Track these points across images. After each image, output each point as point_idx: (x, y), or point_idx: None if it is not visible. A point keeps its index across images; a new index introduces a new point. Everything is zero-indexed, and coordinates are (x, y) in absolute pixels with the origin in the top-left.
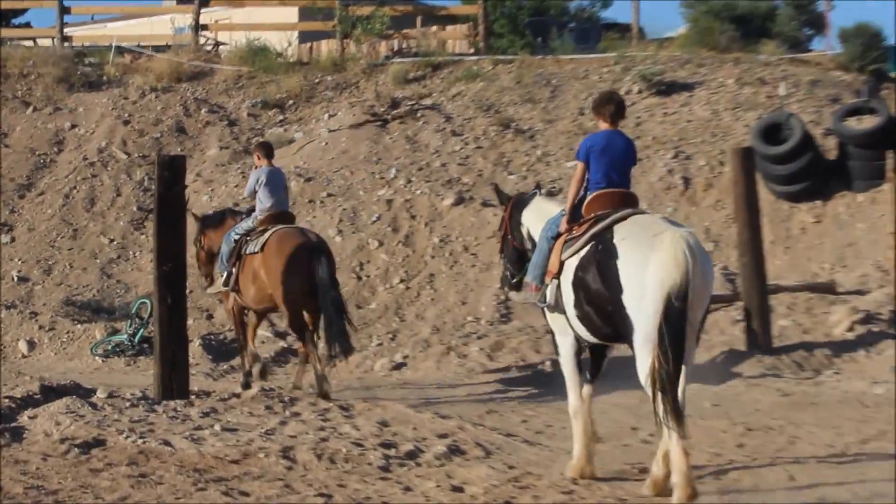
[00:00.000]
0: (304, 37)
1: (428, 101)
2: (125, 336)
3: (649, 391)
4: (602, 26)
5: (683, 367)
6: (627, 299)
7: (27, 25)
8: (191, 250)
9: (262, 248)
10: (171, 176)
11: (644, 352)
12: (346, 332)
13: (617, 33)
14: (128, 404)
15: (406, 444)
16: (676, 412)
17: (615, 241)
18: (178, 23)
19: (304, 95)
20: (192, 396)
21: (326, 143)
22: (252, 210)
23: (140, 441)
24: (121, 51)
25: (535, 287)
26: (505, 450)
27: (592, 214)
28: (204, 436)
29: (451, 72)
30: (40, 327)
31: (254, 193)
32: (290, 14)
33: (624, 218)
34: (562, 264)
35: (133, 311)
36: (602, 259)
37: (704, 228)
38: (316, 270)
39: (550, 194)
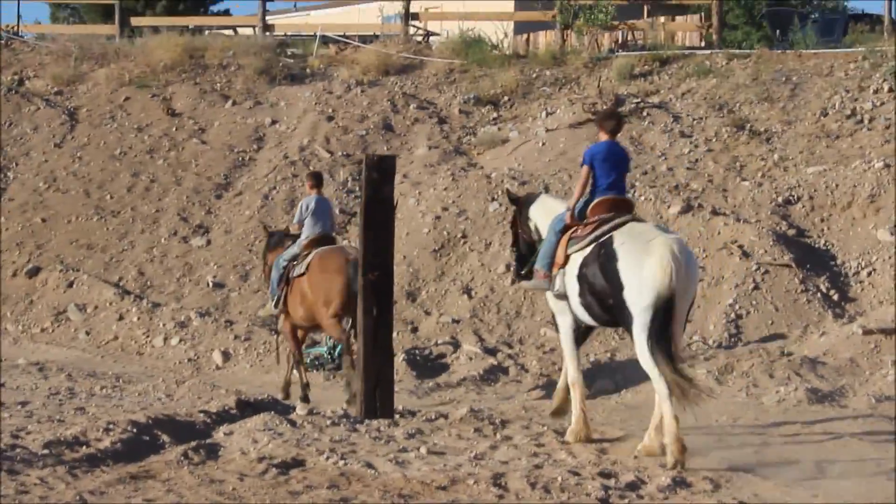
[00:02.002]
0: (521, 28)
1: (655, 99)
2: (325, 349)
3: (647, 367)
4: (849, 18)
5: (675, 349)
6: (627, 295)
7: (226, 13)
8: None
9: (306, 269)
10: (379, 177)
11: (642, 337)
12: None
13: (866, 25)
14: (328, 422)
15: (626, 474)
16: (669, 383)
17: (615, 245)
18: (387, 11)
19: (521, 91)
20: (397, 416)
21: (543, 144)
22: (298, 236)
23: (341, 462)
24: (325, 41)
25: (544, 274)
26: (735, 483)
27: (596, 217)
28: (409, 459)
29: (680, 67)
30: (236, 337)
31: (302, 221)
32: (506, 3)
33: (623, 223)
34: (567, 257)
35: None
36: (604, 261)
37: None
38: (352, 283)
39: (788, 202)
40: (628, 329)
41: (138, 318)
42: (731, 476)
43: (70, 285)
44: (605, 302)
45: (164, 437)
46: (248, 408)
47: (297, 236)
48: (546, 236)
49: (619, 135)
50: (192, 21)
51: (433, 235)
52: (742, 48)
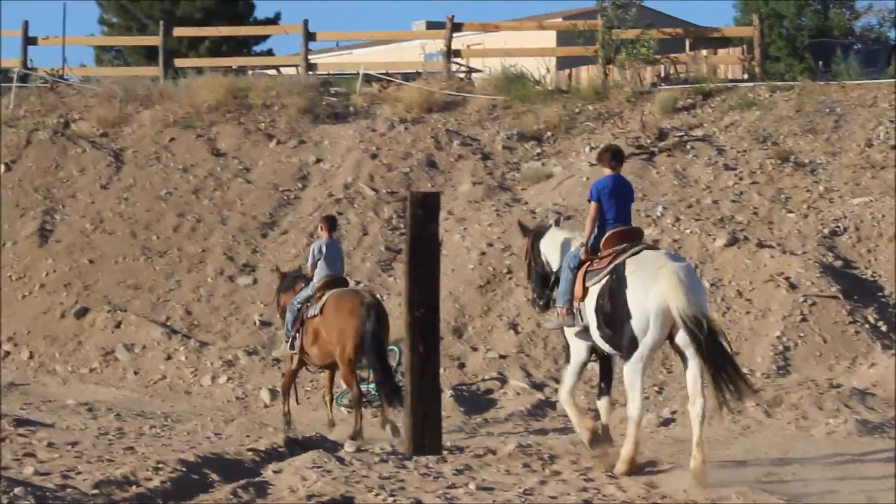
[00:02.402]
0: (563, 63)
1: (698, 132)
2: (372, 385)
3: (630, 388)
4: (892, 47)
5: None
6: (634, 322)
7: (269, 53)
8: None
9: (321, 311)
10: (424, 214)
11: (638, 364)
12: (390, 383)
13: None
14: (377, 459)
15: None
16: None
17: (626, 272)
18: (429, 49)
19: (564, 126)
20: (445, 452)
21: (587, 178)
22: (311, 279)
23: (390, 499)
24: (368, 79)
25: (567, 311)
26: None
27: (611, 249)
28: (458, 495)
29: (723, 100)
30: (283, 375)
31: (315, 264)
32: (548, 39)
33: (636, 252)
34: (586, 290)
35: None
36: (616, 288)
37: None
38: (363, 323)
39: (834, 234)
40: (626, 353)
41: (186, 358)
42: None
43: (118, 325)
44: (620, 329)
45: (213, 476)
46: (296, 446)
47: (309, 278)
48: (562, 274)
49: (620, 168)
50: (236, 61)
51: (479, 271)
52: (785, 80)
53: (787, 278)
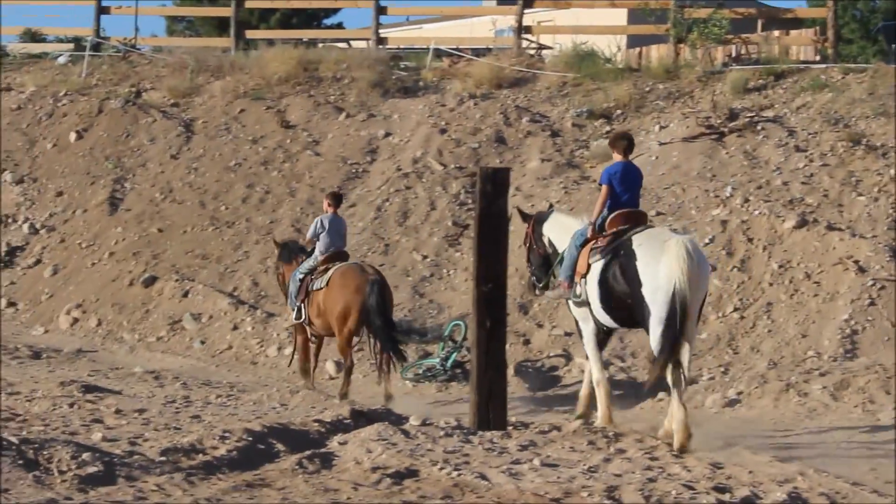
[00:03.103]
0: (633, 41)
1: (769, 113)
2: (437, 360)
3: (660, 359)
4: None
5: (687, 344)
6: (645, 291)
7: (339, 26)
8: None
9: (327, 284)
10: (493, 190)
11: (657, 329)
12: (395, 348)
13: None
14: (442, 433)
15: (741, 488)
16: (677, 374)
17: (634, 246)
18: (500, 25)
19: (634, 105)
20: (510, 428)
21: (656, 157)
22: (313, 250)
23: (455, 473)
24: (438, 54)
25: (567, 285)
26: (852, 500)
27: (615, 229)
28: (522, 470)
29: (795, 81)
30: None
31: (316, 237)
32: (619, 16)
33: (640, 231)
34: (589, 266)
35: (446, 334)
36: (624, 261)
37: None
38: (366, 298)
39: None
40: (644, 323)
41: (252, 328)
42: (848, 492)
43: (185, 295)
44: (625, 301)
45: (279, 446)
46: (361, 418)
47: (306, 250)
48: (567, 250)
49: (631, 154)
50: (306, 34)
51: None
52: (857, 62)
53: (856, 261)
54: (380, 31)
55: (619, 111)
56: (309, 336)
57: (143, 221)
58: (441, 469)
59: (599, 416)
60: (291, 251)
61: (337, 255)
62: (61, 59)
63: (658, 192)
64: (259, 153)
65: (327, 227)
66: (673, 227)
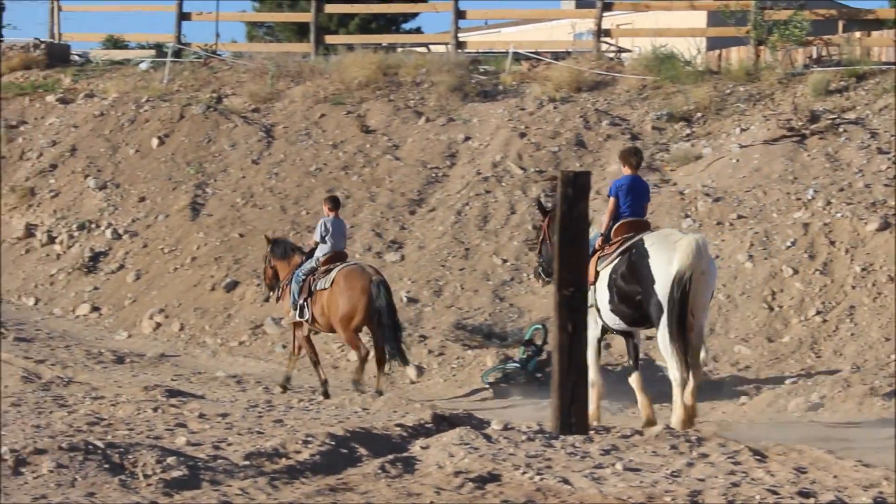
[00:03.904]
0: (713, 43)
1: (851, 115)
2: (517, 364)
3: (667, 354)
4: None
5: (698, 336)
6: (658, 287)
7: (418, 30)
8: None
9: (331, 284)
10: (574, 194)
11: (666, 330)
12: (400, 350)
13: None
14: (524, 438)
15: (826, 493)
16: (683, 364)
17: (647, 246)
18: (578, 28)
19: (714, 107)
20: (592, 431)
21: (737, 160)
22: (312, 251)
23: (537, 477)
24: (517, 58)
25: None
26: None
27: (620, 237)
28: (605, 475)
29: (877, 82)
30: (429, 352)
31: (322, 239)
32: (699, 18)
33: (651, 232)
34: (597, 274)
35: (526, 338)
36: (637, 260)
37: None
38: (374, 300)
39: None
40: (655, 319)
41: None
42: None
43: (266, 299)
44: (635, 299)
45: (362, 451)
46: (443, 422)
47: (299, 248)
48: None
49: (639, 169)
50: (385, 39)
51: None
52: None
53: None
54: (459, 35)
55: (699, 114)
56: (307, 333)
57: (225, 226)
58: (523, 473)
59: (591, 414)
60: (286, 248)
61: (337, 255)
62: (143, 66)
63: (739, 195)
64: (339, 158)
65: (331, 230)
66: (684, 229)
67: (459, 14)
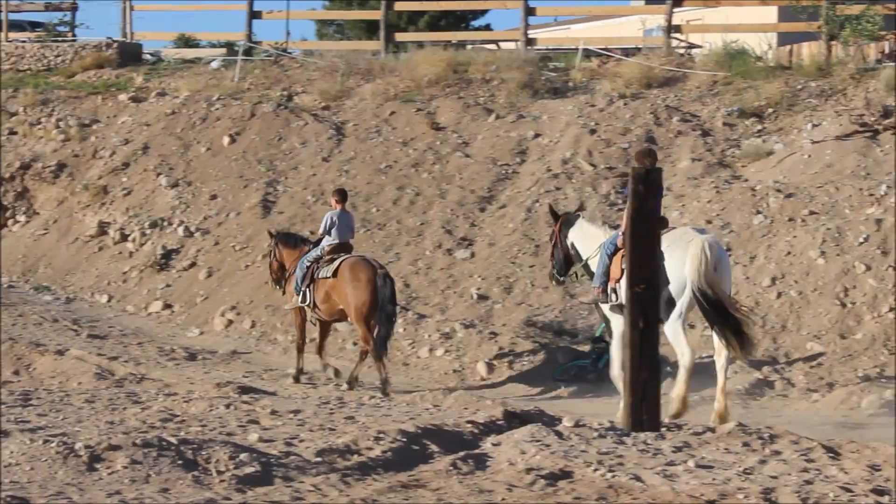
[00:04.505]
0: (784, 38)
1: None
2: (588, 361)
3: (673, 340)
4: None
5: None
6: (672, 288)
7: (488, 28)
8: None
9: (334, 274)
10: (645, 190)
11: (675, 319)
12: (386, 338)
13: None
14: (595, 434)
15: None
16: (735, 347)
17: (662, 247)
18: (648, 24)
19: (785, 103)
20: (663, 429)
21: (809, 156)
22: (319, 241)
23: (609, 475)
24: (587, 54)
25: (601, 290)
26: None
27: None
28: (677, 472)
29: None
30: (500, 349)
31: (329, 230)
32: (769, 14)
33: (667, 231)
34: (622, 271)
35: (597, 334)
36: None
37: None
38: (379, 291)
39: None
40: (665, 315)
41: (404, 329)
42: None
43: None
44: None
45: (433, 447)
46: (514, 419)
47: (305, 239)
48: (599, 258)
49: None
50: (455, 36)
51: None
52: None
53: None
54: (528, 32)
55: (770, 110)
56: (308, 319)
57: (296, 223)
58: (595, 470)
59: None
60: (292, 240)
61: (341, 246)
62: (214, 64)
63: (811, 191)
64: (409, 155)
65: (337, 222)
66: (697, 227)
67: (529, 11)
